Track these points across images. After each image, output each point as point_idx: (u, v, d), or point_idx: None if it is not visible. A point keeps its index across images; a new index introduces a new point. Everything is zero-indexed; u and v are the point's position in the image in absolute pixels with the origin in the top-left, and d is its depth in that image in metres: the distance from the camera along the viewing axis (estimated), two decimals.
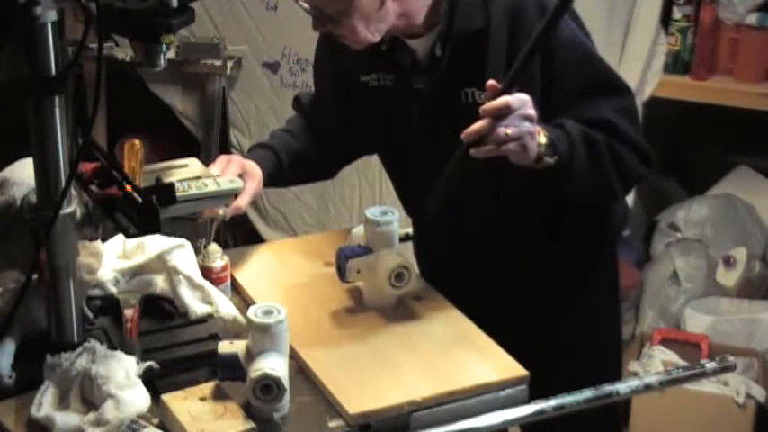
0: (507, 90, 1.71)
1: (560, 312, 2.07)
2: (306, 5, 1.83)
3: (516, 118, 1.71)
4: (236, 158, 1.98)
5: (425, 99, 1.94)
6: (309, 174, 2.24)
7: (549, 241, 2.02)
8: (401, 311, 1.90)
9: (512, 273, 2.04)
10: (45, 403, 1.58)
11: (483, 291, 2.03)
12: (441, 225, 2.06)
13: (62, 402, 1.59)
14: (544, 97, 1.83)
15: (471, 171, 1.76)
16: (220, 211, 1.92)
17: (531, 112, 1.73)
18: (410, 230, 2.27)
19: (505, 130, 1.70)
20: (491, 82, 1.72)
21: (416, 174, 2.02)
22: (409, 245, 2.24)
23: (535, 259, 2.03)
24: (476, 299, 1.94)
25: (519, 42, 1.81)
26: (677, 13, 3.35)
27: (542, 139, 1.76)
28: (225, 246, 2.00)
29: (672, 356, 3.13)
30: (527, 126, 1.72)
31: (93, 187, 1.65)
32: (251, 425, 1.57)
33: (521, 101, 1.71)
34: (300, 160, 2.13)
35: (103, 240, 1.81)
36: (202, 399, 1.62)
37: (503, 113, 1.70)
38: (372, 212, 1.90)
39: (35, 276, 1.63)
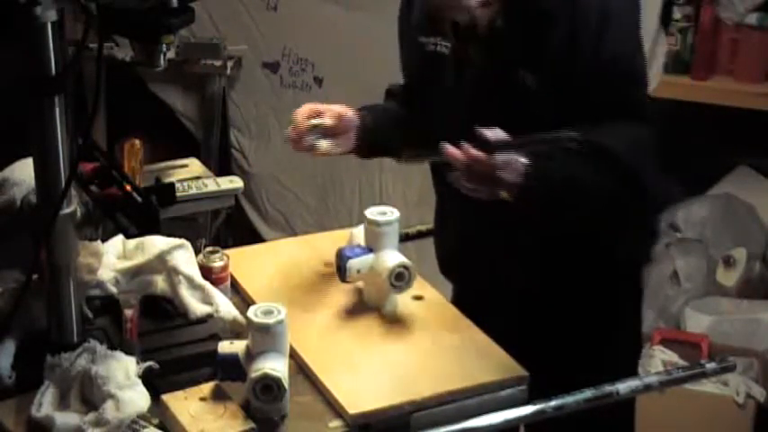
0: (493, 149, 1.71)
1: (585, 316, 2.00)
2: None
3: (482, 175, 1.72)
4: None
5: (478, 70, 1.90)
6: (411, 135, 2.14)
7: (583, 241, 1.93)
8: (401, 311, 1.90)
9: (535, 267, 1.97)
10: (45, 403, 1.58)
11: (498, 282, 2.00)
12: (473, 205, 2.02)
13: (62, 402, 1.59)
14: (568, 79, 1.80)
15: None
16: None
17: (503, 175, 1.73)
18: (410, 230, 2.27)
19: (463, 182, 1.75)
20: (482, 131, 1.71)
21: (451, 141, 1.98)
22: (409, 245, 2.23)
23: (564, 256, 1.95)
24: (489, 290, 1.93)
25: (576, 28, 1.80)
26: (677, 13, 3.34)
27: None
28: (225, 246, 2.00)
29: (672, 356, 3.12)
30: (485, 190, 1.74)
31: (93, 187, 1.66)
32: (251, 425, 1.57)
33: (502, 163, 1.71)
34: (397, 121, 2.11)
35: (103, 240, 1.81)
36: (202, 399, 1.62)
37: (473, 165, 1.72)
38: (372, 212, 1.90)
39: (35, 276, 1.63)
